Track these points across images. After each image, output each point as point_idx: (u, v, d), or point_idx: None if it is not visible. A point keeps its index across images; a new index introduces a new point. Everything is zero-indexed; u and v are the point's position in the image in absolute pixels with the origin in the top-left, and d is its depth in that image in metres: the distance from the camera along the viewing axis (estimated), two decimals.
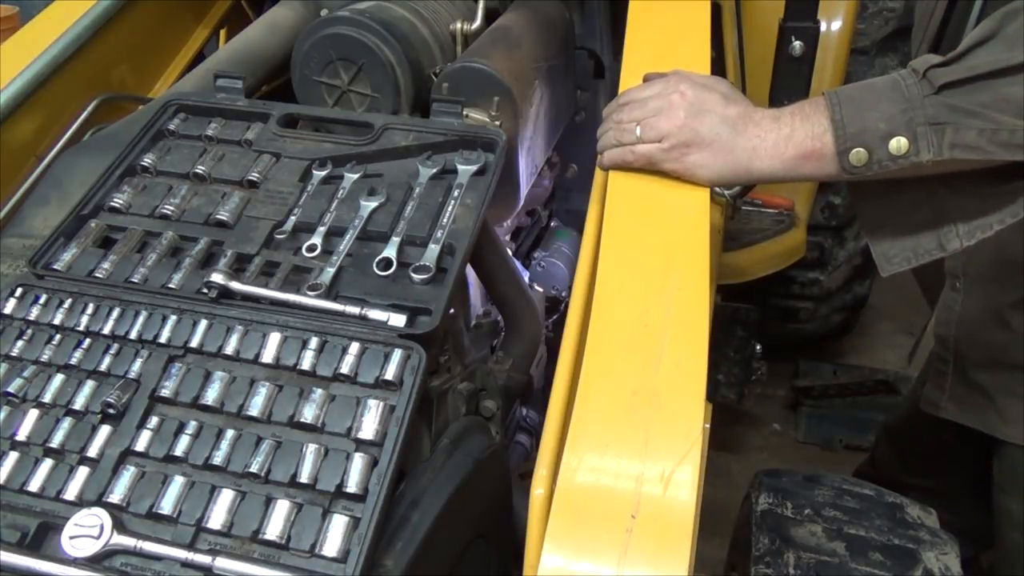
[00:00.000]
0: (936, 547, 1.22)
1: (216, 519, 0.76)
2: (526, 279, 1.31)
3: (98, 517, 0.76)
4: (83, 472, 0.81)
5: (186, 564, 0.74)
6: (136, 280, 0.95)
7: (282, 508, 0.76)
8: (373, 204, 1.00)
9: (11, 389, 0.86)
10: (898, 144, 0.92)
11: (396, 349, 0.85)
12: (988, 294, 1.40)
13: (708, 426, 0.79)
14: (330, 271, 0.93)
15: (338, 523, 0.75)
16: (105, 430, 0.83)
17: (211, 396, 0.83)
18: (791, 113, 1.00)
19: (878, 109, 0.94)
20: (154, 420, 0.83)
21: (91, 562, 0.74)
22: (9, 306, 0.93)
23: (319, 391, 0.83)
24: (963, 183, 0.97)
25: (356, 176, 1.04)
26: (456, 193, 1.01)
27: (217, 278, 0.91)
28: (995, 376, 1.40)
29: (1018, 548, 1.40)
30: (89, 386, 0.86)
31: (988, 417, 1.41)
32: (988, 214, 0.99)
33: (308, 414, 0.81)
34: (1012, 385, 1.37)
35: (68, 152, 1.17)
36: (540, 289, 1.43)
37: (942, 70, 0.91)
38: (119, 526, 0.76)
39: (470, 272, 1.15)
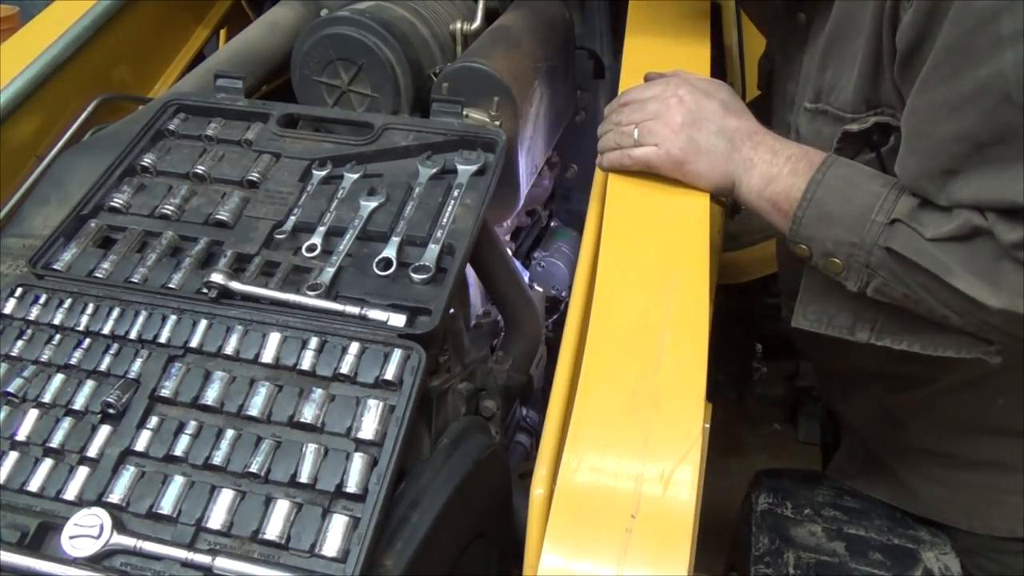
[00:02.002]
0: (936, 547, 1.22)
1: (216, 519, 0.76)
2: (526, 279, 1.31)
3: (98, 517, 0.76)
4: (83, 472, 0.81)
5: (186, 564, 0.74)
6: (136, 280, 0.95)
7: (282, 508, 0.76)
8: (373, 204, 1.00)
9: (11, 389, 0.86)
10: (833, 265, 0.95)
11: (396, 349, 0.85)
12: (874, 391, 1.30)
13: (708, 426, 0.79)
14: (330, 271, 0.93)
15: (338, 523, 0.75)
16: (105, 430, 0.83)
17: (211, 396, 0.83)
18: (787, 157, 0.99)
19: (834, 230, 0.94)
20: (154, 420, 0.83)
21: (91, 562, 0.74)
22: (9, 306, 0.93)
23: (319, 391, 0.83)
24: None
25: (356, 176, 1.04)
26: (456, 193, 1.01)
27: (217, 278, 0.91)
28: (902, 458, 1.32)
29: None
30: (89, 386, 0.86)
31: (898, 493, 1.32)
32: (904, 332, 0.99)
33: (308, 414, 0.81)
34: (923, 469, 1.28)
35: (68, 152, 1.17)
36: (540, 289, 1.43)
37: (904, 234, 0.89)
38: (119, 526, 0.76)
39: (470, 272, 1.15)
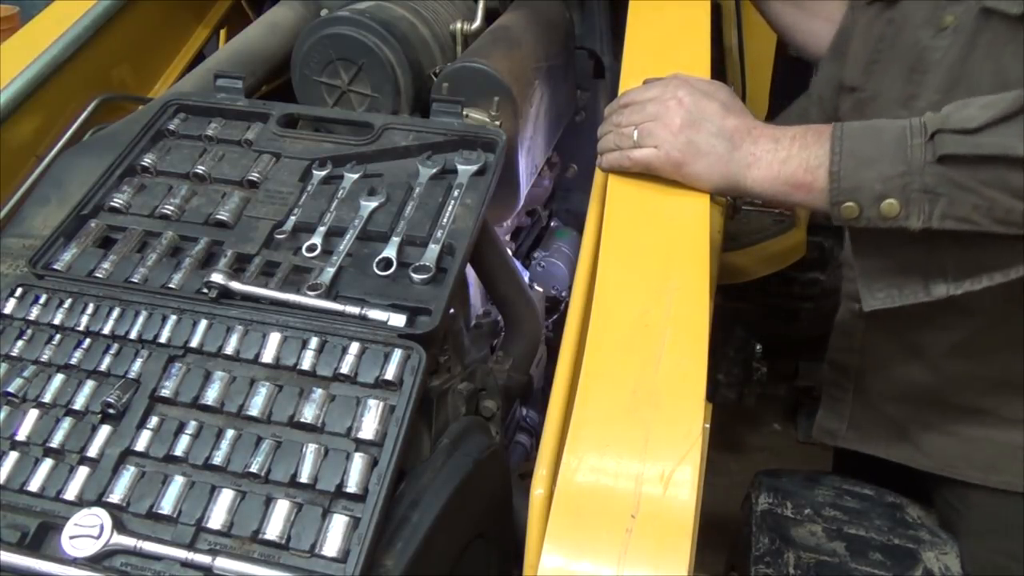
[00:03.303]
0: (936, 547, 1.22)
1: (216, 519, 0.76)
2: (526, 279, 1.31)
3: (98, 517, 0.76)
4: (83, 472, 0.81)
5: (186, 564, 0.74)
6: (136, 280, 0.95)
7: (282, 508, 0.76)
8: (373, 204, 1.00)
9: (11, 389, 0.86)
10: (889, 207, 0.92)
11: (396, 349, 0.85)
12: (907, 331, 1.24)
13: (708, 426, 0.79)
14: (330, 271, 0.93)
15: (338, 523, 0.75)
16: (105, 430, 0.83)
17: (211, 396, 0.83)
18: (791, 138, 0.99)
19: (877, 168, 0.92)
20: (154, 420, 0.83)
21: (91, 562, 0.74)
22: (9, 306, 0.93)
23: (319, 391, 0.83)
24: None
25: (356, 176, 1.04)
26: (456, 193, 1.01)
27: (217, 278, 0.91)
28: (912, 410, 1.28)
29: None
30: (89, 386, 0.86)
31: (901, 447, 1.29)
32: (981, 269, 0.97)
33: (308, 414, 0.81)
34: (930, 420, 1.26)
35: (68, 152, 1.17)
36: (540, 289, 1.43)
37: (951, 138, 0.89)
38: (119, 526, 0.76)
39: (470, 272, 1.15)
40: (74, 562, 0.74)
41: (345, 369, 0.84)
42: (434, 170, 1.04)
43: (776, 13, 1.50)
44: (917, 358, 1.25)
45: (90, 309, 0.92)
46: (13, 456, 0.82)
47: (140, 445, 0.81)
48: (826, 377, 1.42)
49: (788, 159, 0.98)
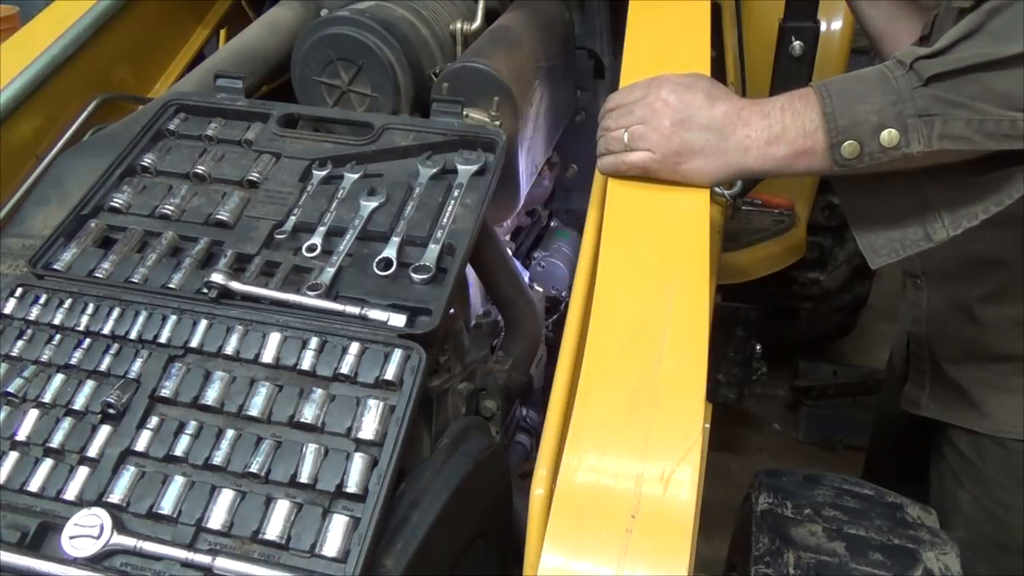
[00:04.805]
0: (936, 547, 1.22)
1: (216, 519, 0.76)
2: (526, 279, 1.31)
3: (98, 517, 0.76)
4: (83, 472, 0.81)
5: (186, 564, 0.74)
6: (136, 280, 0.95)
7: (282, 508, 0.76)
8: (373, 204, 1.00)
9: (11, 389, 0.86)
10: (889, 136, 0.94)
11: (396, 349, 0.85)
12: (952, 290, 1.36)
13: (708, 426, 0.79)
14: (330, 271, 0.93)
15: (338, 523, 0.75)
16: (105, 430, 0.83)
17: (211, 396, 0.83)
18: (780, 108, 1.00)
19: (868, 102, 0.94)
20: (154, 420, 0.83)
21: (91, 562, 0.74)
22: (9, 306, 0.93)
23: (319, 391, 0.83)
24: (947, 173, 0.98)
25: (356, 176, 1.04)
26: (456, 193, 1.01)
27: (217, 278, 0.91)
28: (968, 370, 1.37)
29: (960, 544, 1.32)
30: (89, 386, 0.86)
31: (967, 413, 1.36)
32: (973, 203, 1.00)
33: (308, 414, 0.81)
34: (986, 377, 1.33)
35: (68, 152, 1.17)
36: (540, 289, 1.43)
37: (930, 62, 0.93)
38: (119, 526, 0.76)
39: (470, 272, 1.15)
40: (74, 562, 0.74)
41: (345, 369, 0.84)
42: (434, 170, 1.04)
43: (867, 17, 1.54)
44: (964, 315, 1.32)
45: (90, 309, 0.92)
46: (13, 456, 0.82)
47: (140, 445, 0.81)
48: (911, 351, 1.51)
49: (784, 132, 0.99)
